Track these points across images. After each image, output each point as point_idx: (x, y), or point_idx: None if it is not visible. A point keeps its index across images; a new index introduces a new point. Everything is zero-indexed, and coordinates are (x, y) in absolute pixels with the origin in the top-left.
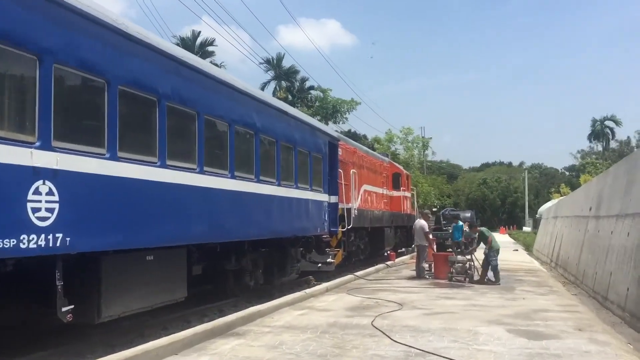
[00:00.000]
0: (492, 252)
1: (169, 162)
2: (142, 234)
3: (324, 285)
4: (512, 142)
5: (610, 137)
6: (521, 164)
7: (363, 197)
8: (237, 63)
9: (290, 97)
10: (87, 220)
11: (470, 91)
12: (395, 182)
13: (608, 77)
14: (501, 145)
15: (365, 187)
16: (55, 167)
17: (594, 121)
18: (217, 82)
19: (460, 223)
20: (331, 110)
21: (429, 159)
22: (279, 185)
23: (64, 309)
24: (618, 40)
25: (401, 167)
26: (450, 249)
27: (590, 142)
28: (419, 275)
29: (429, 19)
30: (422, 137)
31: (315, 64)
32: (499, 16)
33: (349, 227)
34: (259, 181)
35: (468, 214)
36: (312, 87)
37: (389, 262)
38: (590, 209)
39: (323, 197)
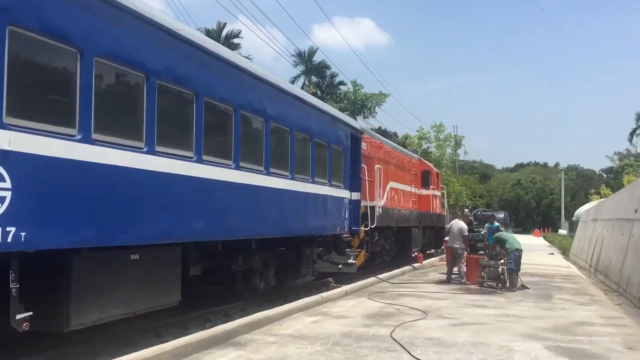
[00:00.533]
0: (509, 254)
1: (158, 149)
2: (123, 230)
3: (344, 288)
4: (547, 143)
5: None
6: (556, 165)
7: (389, 194)
8: (271, 61)
9: (319, 92)
10: (51, 212)
11: (503, 91)
12: (425, 180)
13: None
14: (535, 146)
15: (392, 184)
16: (7, 147)
17: (639, 116)
18: (220, 61)
19: (497, 223)
20: (359, 105)
21: (461, 159)
22: (292, 178)
23: (18, 316)
24: None
25: (431, 165)
26: (482, 252)
27: (631, 142)
28: (450, 280)
29: (462, 18)
30: (455, 135)
31: (348, 63)
32: (534, 15)
33: (372, 227)
34: (268, 174)
35: (501, 215)
36: (341, 83)
37: (416, 264)
38: (636, 211)
39: (343, 194)
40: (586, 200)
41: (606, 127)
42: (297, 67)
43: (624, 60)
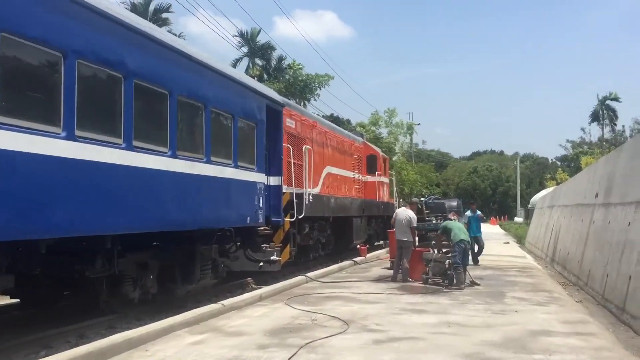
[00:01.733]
0: (454, 245)
1: None
2: None
3: (257, 292)
4: (504, 133)
5: (613, 119)
6: (515, 154)
7: (326, 181)
8: (231, 53)
9: (265, 75)
10: None
11: (463, 82)
12: (370, 165)
13: (605, 68)
14: (493, 136)
15: (330, 169)
16: None
17: (603, 99)
18: None
19: (479, 212)
20: (301, 85)
21: (419, 147)
22: (173, 156)
23: None
24: (617, 30)
25: (377, 149)
26: (434, 242)
27: (590, 124)
28: (395, 278)
29: (423, 13)
30: (409, 122)
31: (310, 56)
32: (495, 6)
33: (300, 217)
34: (130, 149)
35: (454, 203)
36: (290, 66)
37: (358, 258)
38: (596, 196)
39: (257, 178)
40: (541, 187)
41: (560, 117)
42: (242, 49)
43: (578, 50)
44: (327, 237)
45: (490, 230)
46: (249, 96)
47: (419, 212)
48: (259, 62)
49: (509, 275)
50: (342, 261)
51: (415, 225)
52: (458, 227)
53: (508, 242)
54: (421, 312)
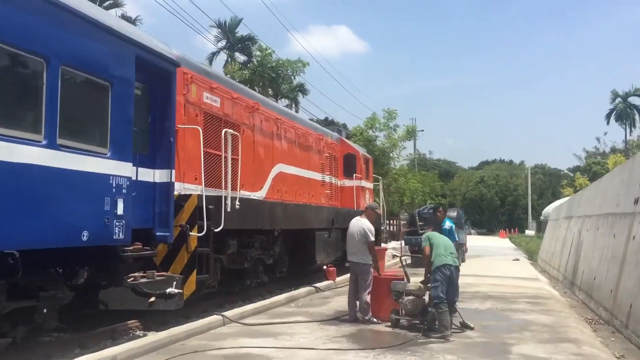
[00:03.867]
0: (433, 271)
1: None
2: None
3: (107, 352)
4: (513, 142)
5: (635, 119)
6: (522, 162)
7: (276, 183)
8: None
9: (247, 73)
10: None
11: (476, 93)
12: (348, 167)
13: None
14: (503, 146)
15: (283, 167)
16: None
17: (615, 95)
18: None
19: (448, 222)
20: (271, 74)
21: (425, 157)
22: None
23: None
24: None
25: (358, 147)
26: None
27: (608, 124)
28: (353, 317)
29: (434, 23)
30: (411, 125)
31: (322, 71)
32: (506, 21)
33: (216, 230)
34: None
35: (453, 213)
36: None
37: (323, 283)
38: (636, 202)
39: (111, 168)
40: (554, 198)
41: (574, 127)
42: (220, 42)
43: (590, 60)
44: (277, 256)
45: (499, 244)
46: (95, 36)
47: (411, 223)
48: (240, 57)
49: (517, 309)
50: (298, 288)
51: (372, 239)
52: (444, 245)
53: (518, 259)
54: None
